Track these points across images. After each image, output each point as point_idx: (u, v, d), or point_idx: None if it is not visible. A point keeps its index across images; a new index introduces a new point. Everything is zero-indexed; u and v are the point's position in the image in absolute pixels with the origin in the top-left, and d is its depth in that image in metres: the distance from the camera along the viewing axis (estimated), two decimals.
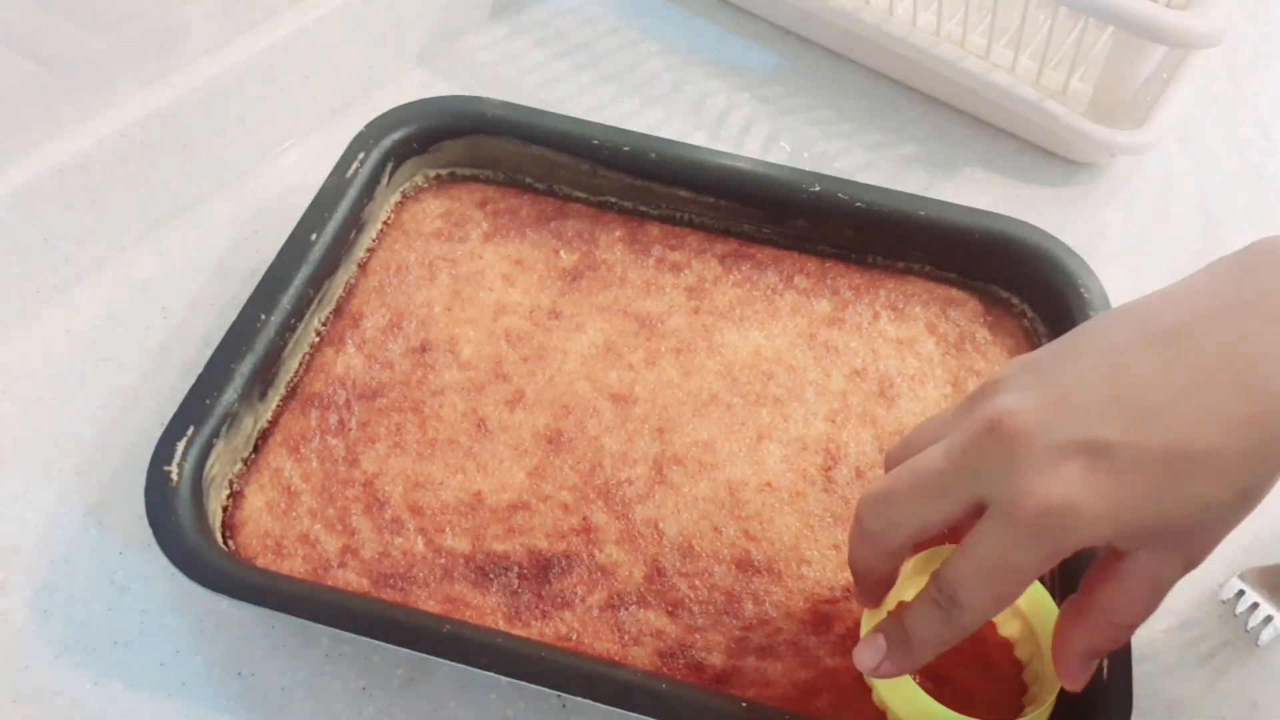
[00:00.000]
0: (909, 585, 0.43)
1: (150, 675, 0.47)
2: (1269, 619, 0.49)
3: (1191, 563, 0.35)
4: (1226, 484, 0.33)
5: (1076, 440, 0.33)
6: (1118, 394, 0.33)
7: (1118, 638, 0.38)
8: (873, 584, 0.41)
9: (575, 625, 0.46)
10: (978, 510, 0.36)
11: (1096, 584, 0.37)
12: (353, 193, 0.56)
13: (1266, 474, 0.33)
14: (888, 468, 0.41)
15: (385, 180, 0.59)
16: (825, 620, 0.46)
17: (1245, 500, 0.34)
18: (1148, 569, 0.35)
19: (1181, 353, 0.33)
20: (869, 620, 0.43)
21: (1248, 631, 0.50)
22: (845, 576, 0.48)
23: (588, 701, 0.41)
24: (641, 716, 0.41)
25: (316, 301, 0.54)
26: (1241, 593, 0.50)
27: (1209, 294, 0.34)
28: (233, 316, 0.51)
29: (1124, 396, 0.33)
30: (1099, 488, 0.33)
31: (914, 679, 0.41)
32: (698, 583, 0.47)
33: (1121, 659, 0.43)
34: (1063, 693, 0.43)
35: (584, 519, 0.49)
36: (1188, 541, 0.35)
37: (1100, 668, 0.42)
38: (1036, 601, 0.44)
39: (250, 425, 0.50)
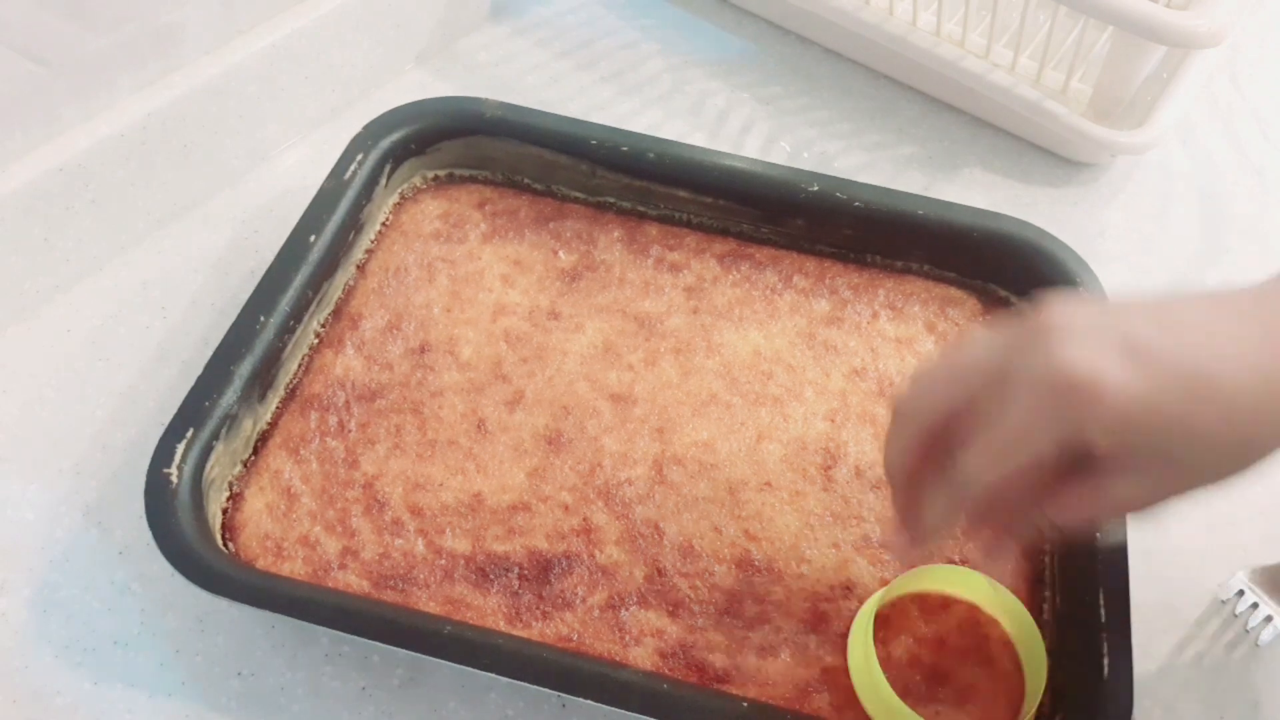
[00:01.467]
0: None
1: (150, 675, 0.47)
2: (1269, 619, 0.49)
3: (1150, 505, 0.36)
4: (1229, 430, 0.34)
5: (1117, 330, 0.34)
6: (1164, 318, 0.34)
7: (1030, 530, 0.40)
8: (903, 481, 0.40)
9: (576, 626, 0.46)
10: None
11: (1068, 484, 0.37)
12: (351, 194, 0.56)
13: (1264, 442, 0.34)
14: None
15: (384, 181, 0.59)
16: (825, 619, 0.46)
17: (1234, 459, 0.35)
18: (1121, 488, 0.36)
19: (1229, 311, 0.34)
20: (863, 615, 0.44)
21: (1248, 631, 0.50)
22: (845, 575, 0.48)
23: (588, 701, 0.42)
24: (642, 716, 0.41)
25: (315, 303, 0.54)
26: (1241, 593, 0.50)
27: (1256, 295, 0.35)
28: (232, 316, 0.51)
29: (1170, 320, 0.34)
30: (1125, 379, 0.33)
31: (894, 691, 0.42)
32: (698, 583, 0.47)
33: (1121, 659, 0.43)
34: (1063, 693, 0.44)
35: (584, 519, 0.49)
36: (1163, 478, 0.35)
37: (1101, 666, 0.42)
38: (1019, 620, 0.45)
39: (250, 427, 0.50)
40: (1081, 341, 0.33)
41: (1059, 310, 0.35)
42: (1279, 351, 0.33)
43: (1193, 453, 0.34)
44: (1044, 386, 0.34)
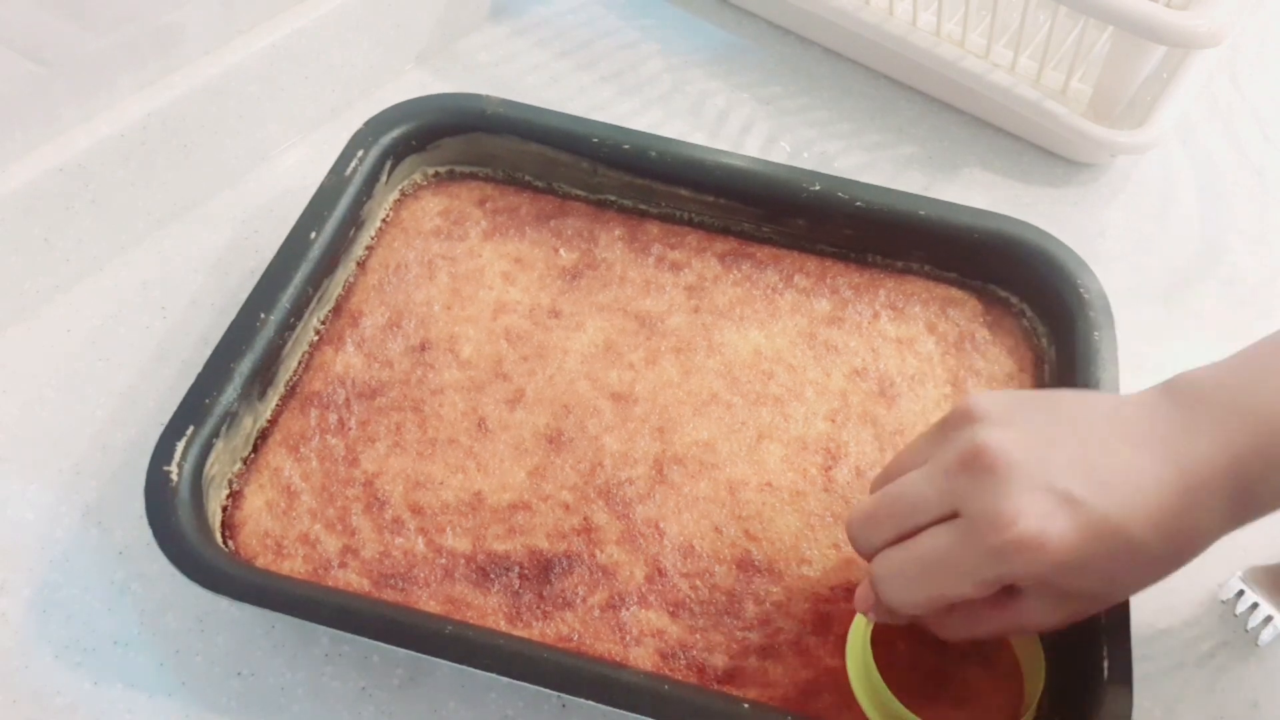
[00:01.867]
0: None
1: (150, 675, 0.47)
2: (1269, 619, 0.49)
3: (1063, 625, 0.40)
4: (1135, 575, 0.39)
5: (1055, 487, 0.37)
6: (1092, 466, 0.38)
7: (961, 638, 0.43)
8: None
9: (576, 626, 0.46)
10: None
11: (985, 604, 0.40)
12: (352, 191, 0.56)
13: (1158, 576, 0.39)
14: (877, 484, 0.44)
15: (384, 178, 0.58)
16: (826, 620, 0.46)
17: (1132, 591, 0.40)
18: (1035, 613, 0.40)
19: (1145, 456, 0.38)
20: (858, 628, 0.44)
21: (1248, 631, 0.50)
22: (846, 576, 0.48)
23: (588, 702, 0.41)
24: (643, 717, 0.41)
25: (316, 300, 0.54)
26: (1241, 593, 0.50)
27: (1161, 416, 0.39)
28: (232, 316, 0.51)
29: (1097, 470, 0.38)
30: (1064, 535, 0.37)
31: (890, 691, 0.42)
32: (698, 583, 0.47)
33: (1121, 658, 0.43)
34: (1063, 693, 0.43)
35: (585, 519, 0.49)
36: (1077, 606, 0.40)
37: (1101, 667, 0.42)
38: None
39: (250, 425, 0.50)
40: (1027, 496, 0.37)
41: (992, 438, 0.38)
42: (1174, 511, 0.37)
43: (1103, 591, 0.40)
44: (994, 538, 0.37)
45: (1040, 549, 0.36)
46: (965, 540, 0.38)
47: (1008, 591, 0.39)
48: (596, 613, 0.46)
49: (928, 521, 0.39)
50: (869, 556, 0.42)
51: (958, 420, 0.40)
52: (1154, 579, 0.39)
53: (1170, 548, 0.38)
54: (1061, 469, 0.37)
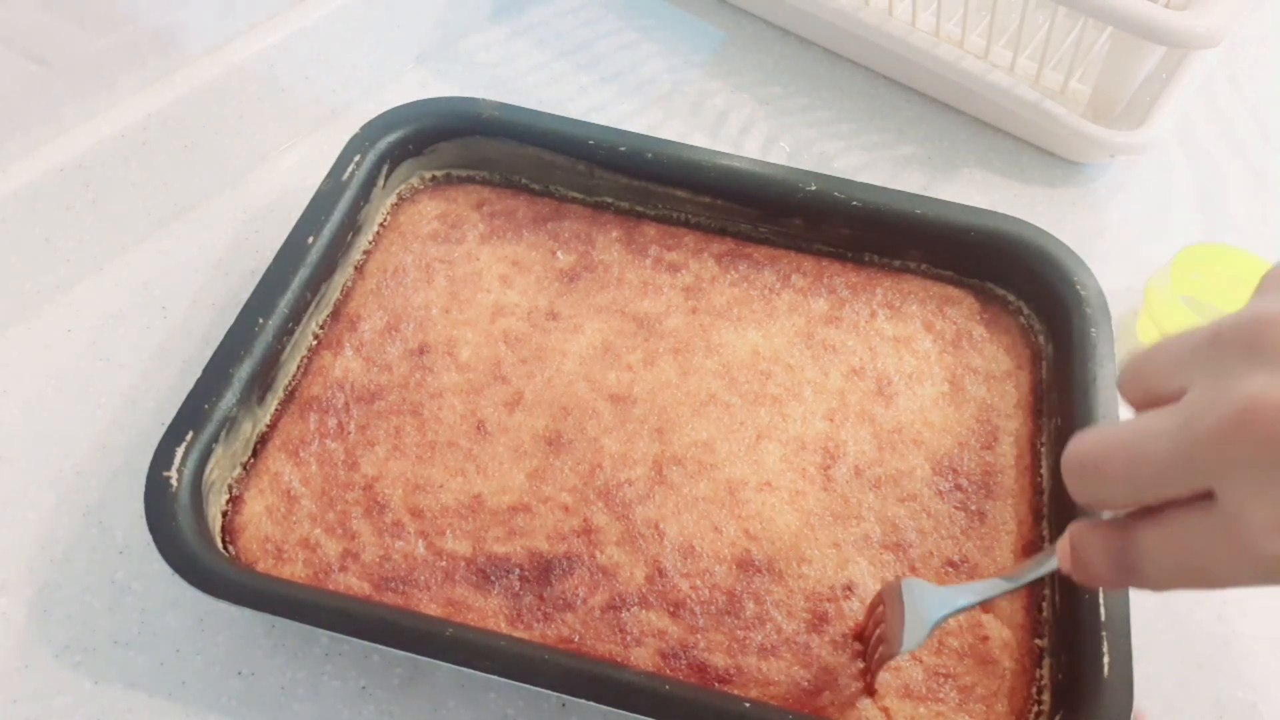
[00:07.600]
0: None
1: (150, 675, 0.47)
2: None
3: None
4: None
5: None
6: None
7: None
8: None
9: (577, 627, 0.46)
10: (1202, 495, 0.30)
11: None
12: (349, 195, 0.56)
13: None
14: (1122, 387, 0.34)
15: (381, 182, 0.59)
16: (826, 619, 0.46)
17: None
18: None
19: None
20: None
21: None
22: (845, 575, 0.48)
23: (587, 701, 0.42)
24: (643, 717, 0.41)
25: (314, 305, 0.54)
26: None
27: None
28: (233, 316, 0.51)
29: None
30: None
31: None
32: (699, 583, 0.47)
33: (1121, 657, 0.43)
34: (1063, 692, 0.44)
35: (584, 520, 0.49)
36: None
37: (1101, 665, 0.42)
38: None
39: (249, 430, 0.50)
40: None
41: (1269, 398, 0.27)
42: None
43: None
44: (1255, 549, 0.28)
45: None
46: (1227, 545, 0.29)
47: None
48: (597, 613, 0.46)
49: (1171, 494, 0.30)
50: (1088, 506, 0.33)
51: (1238, 344, 0.28)
52: None
53: None
54: None
